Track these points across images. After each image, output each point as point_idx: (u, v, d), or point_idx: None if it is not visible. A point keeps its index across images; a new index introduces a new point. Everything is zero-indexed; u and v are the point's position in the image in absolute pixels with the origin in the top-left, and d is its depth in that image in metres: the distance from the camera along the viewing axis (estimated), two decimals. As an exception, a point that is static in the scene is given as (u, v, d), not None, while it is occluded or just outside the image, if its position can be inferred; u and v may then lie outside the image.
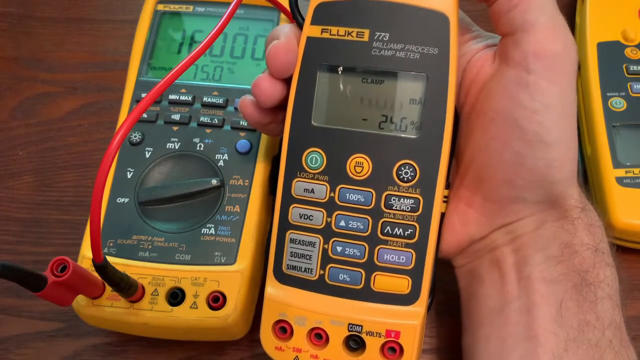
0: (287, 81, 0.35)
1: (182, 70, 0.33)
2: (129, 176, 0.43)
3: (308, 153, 0.34)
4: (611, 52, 0.51)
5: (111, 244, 0.41)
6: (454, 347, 0.40)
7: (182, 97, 0.46)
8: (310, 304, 0.35)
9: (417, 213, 0.33)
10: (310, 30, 0.34)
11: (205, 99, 0.46)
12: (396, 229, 0.34)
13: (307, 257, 0.35)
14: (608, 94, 0.49)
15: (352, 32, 0.33)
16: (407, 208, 0.33)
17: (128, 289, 0.37)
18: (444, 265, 0.39)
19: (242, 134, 0.44)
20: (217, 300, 0.39)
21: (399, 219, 0.33)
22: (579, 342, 0.32)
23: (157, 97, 0.33)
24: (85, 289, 0.37)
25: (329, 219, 0.34)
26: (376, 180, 0.34)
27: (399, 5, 0.32)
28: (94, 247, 0.32)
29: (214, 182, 0.42)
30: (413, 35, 0.32)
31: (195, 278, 0.40)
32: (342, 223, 0.34)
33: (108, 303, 0.39)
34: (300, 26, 0.35)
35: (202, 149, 0.44)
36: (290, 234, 0.35)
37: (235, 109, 0.45)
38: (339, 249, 0.34)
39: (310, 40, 0.34)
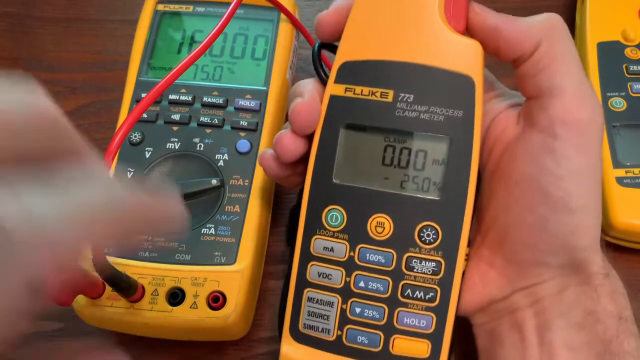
0: (309, 137, 0.34)
1: (182, 70, 0.33)
2: (128, 176, 0.43)
3: (328, 211, 0.33)
4: (611, 52, 0.51)
5: (111, 244, 0.41)
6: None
7: (182, 97, 0.46)
8: None
9: (439, 276, 0.32)
10: (334, 88, 0.33)
11: (205, 99, 0.46)
12: (417, 292, 0.33)
13: (325, 316, 0.34)
14: (608, 94, 0.49)
15: (376, 92, 0.32)
16: (429, 271, 0.32)
17: (128, 289, 0.37)
18: (462, 325, 0.37)
19: (242, 134, 0.44)
20: (217, 300, 0.39)
21: (419, 281, 0.33)
22: None
23: (158, 97, 0.33)
24: (85, 289, 0.37)
25: (348, 279, 0.33)
26: (397, 241, 0.33)
27: (424, 68, 0.32)
28: (93, 247, 0.32)
29: (214, 182, 0.42)
30: (437, 97, 0.32)
31: (195, 278, 0.40)
32: (362, 284, 0.33)
33: (108, 303, 0.39)
34: (322, 82, 0.35)
35: (202, 149, 0.44)
36: (308, 292, 0.34)
37: (235, 108, 0.45)
38: (357, 310, 0.33)
39: (333, 98, 0.33)
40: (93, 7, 0.61)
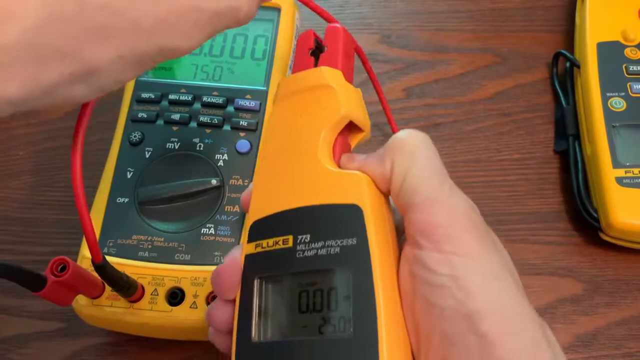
0: None
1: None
2: (128, 176, 0.43)
3: None
4: (611, 52, 0.51)
5: (111, 244, 0.41)
6: None
7: (182, 97, 0.46)
8: None
9: None
10: (247, 248, 0.33)
11: (205, 98, 0.46)
12: None
13: None
14: (608, 94, 0.49)
15: (279, 240, 0.32)
16: None
17: (128, 288, 0.37)
18: None
19: (242, 134, 0.44)
20: (216, 300, 0.39)
21: None
22: None
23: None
24: (85, 289, 0.37)
25: None
26: None
27: (315, 208, 0.32)
28: (90, 247, 0.32)
29: (214, 182, 0.42)
30: (330, 231, 0.31)
31: (195, 278, 0.40)
32: None
33: (108, 303, 0.39)
34: None
35: (202, 149, 0.44)
36: None
37: (235, 108, 0.45)
38: None
39: (247, 257, 0.33)
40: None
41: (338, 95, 0.33)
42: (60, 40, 0.24)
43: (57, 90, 0.26)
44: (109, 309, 0.39)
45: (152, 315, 0.39)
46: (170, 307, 0.39)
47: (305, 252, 0.31)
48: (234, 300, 0.33)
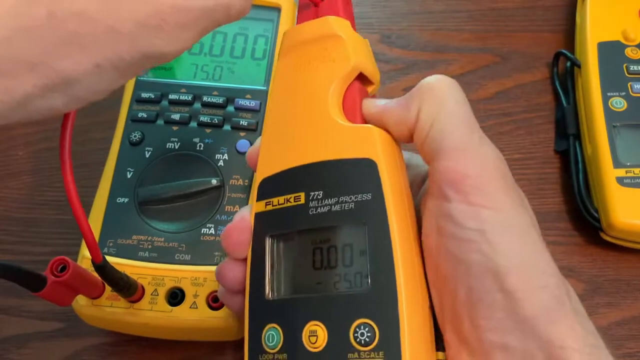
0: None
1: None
2: (128, 176, 0.43)
3: (266, 331, 0.31)
4: (611, 52, 0.51)
5: (111, 244, 0.41)
6: None
7: (182, 97, 0.46)
8: None
9: None
10: (257, 206, 0.33)
11: (205, 98, 0.46)
12: None
13: None
14: (608, 94, 0.49)
15: (290, 198, 0.32)
16: None
17: (128, 289, 0.37)
18: None
19: (242, 133, 0.44)
20: (217, 300, 0.39)
21: None
22: None
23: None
24: (85, 289, 0.37)
25: None
26: (334, 348, 0.28)
27: (327, 163, 0.31)
28: (90, 249, 0.32)
29: (214, 182, 0.42)
30: (344, 186, 0.30)
31: (195, 278, 0.40)
32: None
33: (108, 303, 0.39)
34: None
35: (202, 148, 0.44)
36: None
37: (235, 108, 0.45)
38: None
39: (257, 215, 0.33)
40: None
41: (347, 45, 0.33)
42: (30, 51, 0.24)
43: (33, 102, 0.25)
44: (109, 309, 0.39)
45: (152, 315, 0.39)
46: (171, 307, 0.39)
47: (318, 208, 0.31)
48: (244, 259, 0.33)
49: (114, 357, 0.45)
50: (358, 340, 0.28)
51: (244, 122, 0.44)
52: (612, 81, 0.50)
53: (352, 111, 0.33)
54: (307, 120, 0.33)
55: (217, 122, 0.45)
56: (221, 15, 0.29)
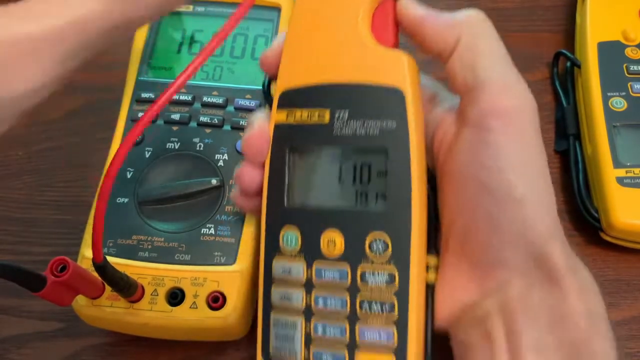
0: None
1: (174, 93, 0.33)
2: (128, 176, 0.43)
3: (284, 233, 0.34)
4: (611, 52, 0.51)
5: (111, 244, 0.41)
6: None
7: (182, 97, 0.46)
8: None
9: (394, 288, 0.32)
10: (277, 116, 0.35)
11: (205, 98, 0.46)
12: (374, 306, 0.32)
13: (291, 339, 0.33)
14: (608, 94, 0.49)
15: (314, 114, 0.34)
16: (383, 283, 0.32)
17: (128, 289, 0.37)
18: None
19: (242, 134, 0.44)
20: (216, 301, 0.39)
21: (376, 295, 0.32)
22: None
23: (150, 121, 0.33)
24: (85, 289, 0.37)
25: (308, 299, 0.33)
26: (350, 255, 0.33)
27: (355, 85, 0.33)
28: (95, 246, 0.32)
29: (214, 182, 0.42)
30: (370, 111, 0.33)
31: (195, 278, 0.40)
32: (321, 302, 0.33)
33: (108, 303, 0.39)
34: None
35: (202, 148, 0.44)
36: (273, 316, 0.34)
37: (235, 108, 0.45)
38: (320, 329, 0.33)
39: (277, 126, 0.35)
40: (93, 7, 0.61)
41: None
42: None
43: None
44: (109, 309, 0.39)
45: (152, 315, 0.39)
46: (170, 308, 0.39)
47: (343, 129, 0.33)
48: (262, 164, 0.35)
49: (114, 357, 0.45)
50: (373, 251, 0.32)
51: (243, 122, 0.44)
52: (612, 81, 0.50)
53: (382, 32, 0.34)
54: (337, 39, 0.34)
55: (217, 122, 0.45)
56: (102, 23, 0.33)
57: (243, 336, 0.43)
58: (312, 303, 0.33)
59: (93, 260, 0.33)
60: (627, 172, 0.46)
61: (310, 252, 0.33)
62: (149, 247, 0.41)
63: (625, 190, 0.46)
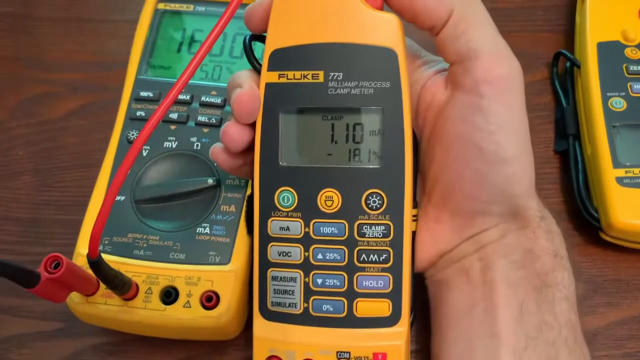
0: (253, 125, 0.36)
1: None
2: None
3: (279, 193, 0.35)
4: (611, 52, 0.51)
5: (106, 242, 0.41)
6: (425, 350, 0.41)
7: (180, 96, 0.46)
8: (297, 338, 0.35)
9: (389, 238, 0.35)
10: (268, 76, 0.35)
11: (203, 98, 0.46)
12: (371, 256, 0.35)
13: (290, 292, 0.35)
14: (608, 94, 0.49)
15: (308, 74, 0.34)
16: (379, 234, 0.35)
17: (122, 286, 0.37)
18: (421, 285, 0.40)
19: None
20: (210, 300, 0.39)
21: (372, 245, 0.35)
22: (538, 340, 0.34)
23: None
24: (79, 286, 0.37)
25: (306, 254, 0.35)
26: (347, 211, 0.35)
27: (349, 46, 0.34)
28: (92, 242, 0.32)
29: (210, 181, 0.43)
30: (365, 72, 0.34)
31: (189, 277, 0.40)
32: (320, 256, 0.35)
33: (102, 300, 0.39)
34: (257, 71, 0.36)
35: (199, 148, 0.44)
36: (271, 272, 0.36)
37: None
38: (319, 281, 0.35)
39: (269, 86, 0.35)
40: (93, 7, 0.62)
41: None
42: None
43: None
44: (103, 307, 0.39)
45: (145, 313, 0.39)
46: (164, 306, 0.39)
47: (338, 89, 0.34)
48: (251, 125, 0.36)
49: (114, 357, 0.45)
50: (369, 206, 0.35)
51: (241, 122, 0.44)
52: (612, 81, 0.49)
53: None
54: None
55: (214, 121, 0.45)
56: None
57: (242, 336, 0.43)
58: (311, 257, 0.35)
59: (87, 256, 0.33)
60: (626, 172, 0.46)
61: (307, 209, 0.35)
62: (144, 245, 0.41)
63: (624, 190, 0.46)
